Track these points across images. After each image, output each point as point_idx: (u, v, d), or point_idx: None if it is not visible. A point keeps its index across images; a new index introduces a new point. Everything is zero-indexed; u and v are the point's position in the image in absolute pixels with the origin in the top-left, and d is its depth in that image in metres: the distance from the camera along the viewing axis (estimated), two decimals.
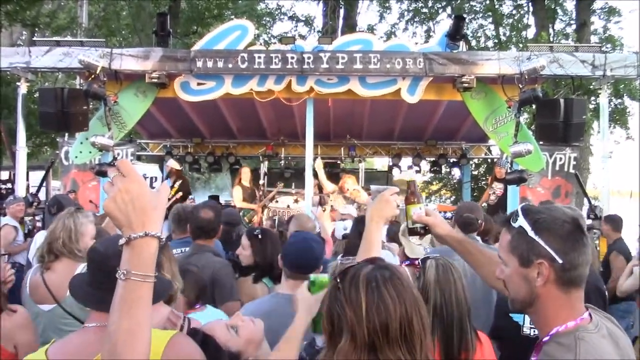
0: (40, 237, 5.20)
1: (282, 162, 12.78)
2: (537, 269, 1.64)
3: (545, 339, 1.66)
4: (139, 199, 1.34)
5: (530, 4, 19.16)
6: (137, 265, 1.31)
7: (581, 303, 1.68)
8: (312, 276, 2.07)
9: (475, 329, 2.58)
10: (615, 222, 6.84)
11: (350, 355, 1.47)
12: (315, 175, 9.03)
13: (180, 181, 9.87)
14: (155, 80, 7.65)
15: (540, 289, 1.66)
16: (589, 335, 1.59)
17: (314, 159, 8.83)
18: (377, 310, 1.45)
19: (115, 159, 8.10)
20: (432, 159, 12.87)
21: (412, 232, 2.25)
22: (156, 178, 9.83)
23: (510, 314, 3.13)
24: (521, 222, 1.69)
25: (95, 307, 1.84)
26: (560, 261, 1.62)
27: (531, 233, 1.65)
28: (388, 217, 2.23)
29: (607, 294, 4.09)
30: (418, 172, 13.58)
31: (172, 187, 9.74)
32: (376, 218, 2.21)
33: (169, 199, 9.13)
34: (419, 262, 2.79)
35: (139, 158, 12.02)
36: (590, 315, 1.68)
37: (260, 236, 3.79)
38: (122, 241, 1.33)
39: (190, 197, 10.03)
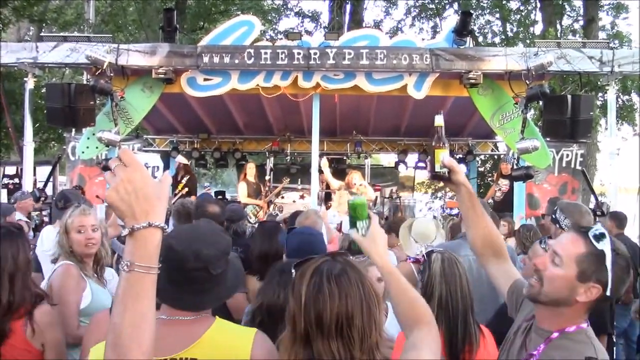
0: (47, 232, 5.21)
1: (288, 157, 12.80)
2: (588, 289, 1.75)
3: (555, 335, 1.80)
4: (142, 189, 1.31)
5: (537, 0, 19.07)
6: (141, 256, 1.28)
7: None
8: (349, 201, 1.93)
9: (478, 323, 2.59)
10: (619, 219, 6.81)
11: (288, 344, 1.52)
12: (321, 172, 9.05)
13: (188, 177, 9.92)
14: (162, 75, 7.66)
15: (577, 302, 1.77)
16: (594, 336, 1.81)
17: (320, 156, 8.83)
18: (314, 302, 1.47)
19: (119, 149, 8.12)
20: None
21: (437, 176, 2.19)
22: (158, 167, 9.85)
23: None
24: (606, 249, 1.74)
25: (171, 303, 1.81)
26: (608, 294, 1.74)
27: (608, 263, 1.72)
28: (386, 244, 1.91)
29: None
30: (424, 168, 13.56)
31: (179, 181, 9.79)
32: (380, 249, 1.86)
33: (175, 194, 9.18)
34: (424, 257, 2.79)
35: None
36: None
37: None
38: (125, 232, 1.30)
39: (207, 185, 10.00)
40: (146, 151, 11.93)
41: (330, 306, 1.46)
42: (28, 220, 7.39)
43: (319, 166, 8.75)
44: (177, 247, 1.78)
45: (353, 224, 1.89)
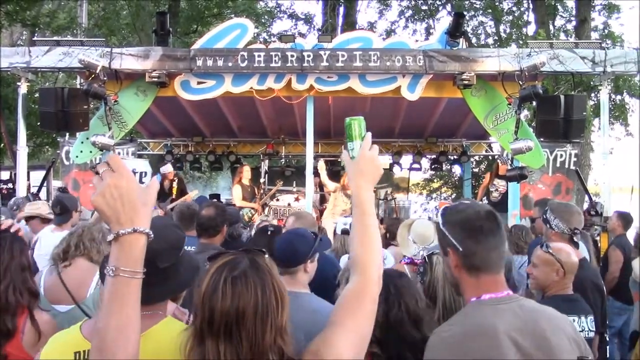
0: (44, 236, 5.20)
1: (283, 160, 12.78)
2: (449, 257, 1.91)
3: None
4: (128, 195, 1.33)
5: (530, 0, 19.13)
6: (126, 261, 1.31)
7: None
8: (346, 120, 1.80)
9: None
10: (627, 220, 6.86)
11: (189, 337, 1.51)
12: (317, 174, 9.05)
13: (176, 180, 9.99)
14: (156, 79, 7.65)
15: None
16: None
17: (315, 158, 8.83)
18: (209, 300, 1.47)
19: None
20: (433, 156, 12.87)
21: None
22: (146, 173, 9.84)
23: None
24: (438, 217, 1.98)
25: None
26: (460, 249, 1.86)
27: (441, 226, 1.92)
28: (375, 177, 1.77)
29: (604, 288, 4.09)
30: (419, 169, 13.57)
31: (171, 188, 9.81)
32: (360, 180, 1.74)
33: (172, 200, 9.20)
34: (424, 260, 2.78)
35: (139, 157, 12.02)
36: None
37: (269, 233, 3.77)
38: (110, 237, 1.33)
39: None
40: (140, 155, 11.91)
41: (220, 306, 1.45)
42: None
43: (316, 168, 8.74)
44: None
45: (348, 144, 1.79)
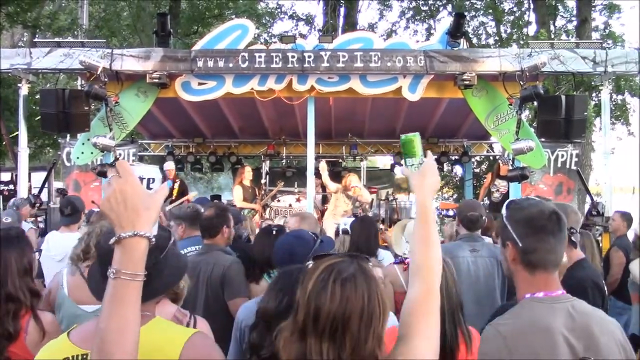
0: (52, 238, 5.20)
1: (284, 161, 12.80)
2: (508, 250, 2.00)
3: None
4: (131, 199, 1.38)
5: (531, 1, 19.14)
6: (127, 264, 1.35)
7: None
8: (402, 137, 1.97)
9: (467, 325, 2.60)
10: (630, 220, 6.86)
11: (287, 333, 1.53)
12: (319, 175, 9.05)
13: (178, 181, 9.98)
14: (156, 80, 7.65)
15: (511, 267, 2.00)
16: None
17: (316, 159, 8.83)
18: (316, 299, 1.48)
19: (117, 159, 8.11)
20: (434, 156, 12.82)
21: None
22: (154, 179, 9.88)
23: None
24: (503, 211, 2.10)
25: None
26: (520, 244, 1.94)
27: (504, 220, 2.04)
28: (437, 187, 1.92)
29: (606, 289, 4.08)
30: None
31: (172, 188, 9.81)
32: (426, 190, 1.85)
33: (172, 201, 9.20)
34: None
35: (141, 158, 12.05)
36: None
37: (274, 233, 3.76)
38: (112, 240, 1.37)
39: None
40: (141, 157, 11.92)
41: (328, 306, 1.46)
42: (34, 228, 7.34)
43: (317, 169, 8.73)
44: (102, 243, 1.85)
45: (405, 161, 1.96)
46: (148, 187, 9.25)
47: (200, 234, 4.11)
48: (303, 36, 20.49)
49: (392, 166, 13.19)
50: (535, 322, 1.83)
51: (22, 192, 8.28)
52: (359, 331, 1.46)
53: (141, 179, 9.46)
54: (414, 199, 1.89)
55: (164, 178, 9.99)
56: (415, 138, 1.94)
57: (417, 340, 1.57)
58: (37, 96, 12.13)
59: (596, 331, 1.83)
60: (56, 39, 9.05)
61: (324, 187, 9.93)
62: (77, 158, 8.40)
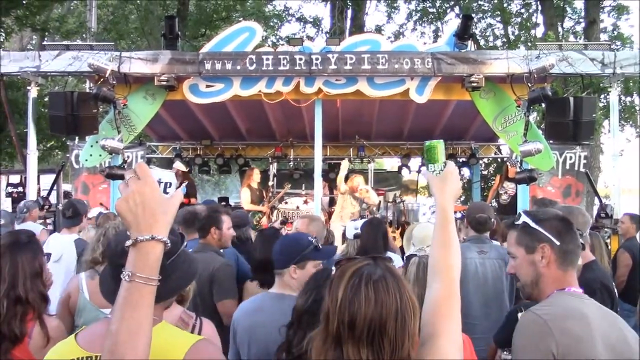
0: (54, 240, 5.22)
1: (291, 163, 12.80)
2: (541, 250, 2.08)
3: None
4: (150, 203, 1.37)
5: (538, 2, 19.08)
6: (142, 267, 1.34)
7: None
8: (426, 144, 2.03)
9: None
10: (638, 222, 6.81)
11: (319, 342, 1.52)
12: (326, 177, 9.06)
13: (186, 182, 9.96)
14: (164, 83, 7.67)
15: (542, 270, 2.08)
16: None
17: (324, 161, 8.84)
18: (349, 305, 1.46)
19: (125, 161, 8.14)
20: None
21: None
22: (170, 184, 9.92)
23: None
24: (524, 219, 2.15)
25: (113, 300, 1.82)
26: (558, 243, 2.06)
27: (533, 225, 2.11)
28: (458, 192, 1.94)
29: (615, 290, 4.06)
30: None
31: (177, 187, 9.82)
32: (447, 194, 1.88)
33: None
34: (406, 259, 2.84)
35: (149, 160, 12.08)
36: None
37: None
38: (128, 242, 1.36)
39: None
40: (149, 159, 11.96)
41: (364, 311, 1.45)
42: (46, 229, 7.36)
43: (325, 171, 8.73)
44: (112, 245, 1.85)
45: (427, 166, 2.02)
46: (165, 191, 9.29)
47: (198, 233, 4.19)
48: (310, 38, 20.53)
49: (400, 168, 13.17)
50: (572, 309, 1.96)
51: (31, 195, 8.31)
52: (395, 333, 1.46)
53: (159, 182, 9.50)
54: (434, 202, 1.91)
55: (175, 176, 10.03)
56: (439, 145, 1.99)
57: (443, 340, 1.57)
58: (46, 99, 12.20)
59: (623, 326, 1.97)
60: (65, 42, 9.10)
61: (331, 189, 9.94)
62: (86, 160, 8.43)
